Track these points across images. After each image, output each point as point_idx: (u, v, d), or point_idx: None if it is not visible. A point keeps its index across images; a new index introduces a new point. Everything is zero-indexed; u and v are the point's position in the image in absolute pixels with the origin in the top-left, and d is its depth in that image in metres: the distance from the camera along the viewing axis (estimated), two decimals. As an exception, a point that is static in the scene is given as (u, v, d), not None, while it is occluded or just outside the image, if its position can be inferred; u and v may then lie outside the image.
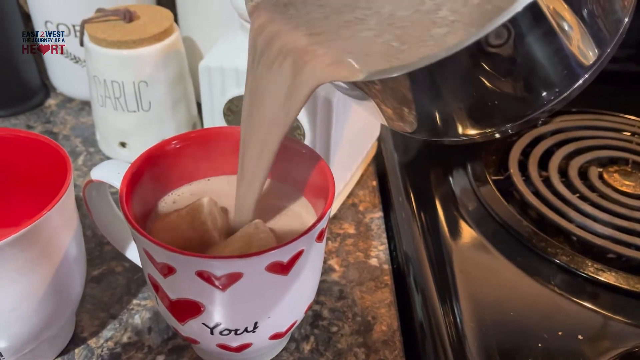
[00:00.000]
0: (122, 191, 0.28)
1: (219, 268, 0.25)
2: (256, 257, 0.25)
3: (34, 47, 0.55)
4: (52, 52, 0.55)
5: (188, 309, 0.28)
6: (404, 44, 0.23)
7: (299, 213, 0.32)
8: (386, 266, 0.41)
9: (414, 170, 0.48)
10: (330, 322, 0.37)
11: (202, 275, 0.26)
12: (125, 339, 0.35)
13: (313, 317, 0.37)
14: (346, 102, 0.39)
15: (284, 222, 0.31)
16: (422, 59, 0.22)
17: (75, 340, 0.35)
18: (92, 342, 0.35)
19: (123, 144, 0.49)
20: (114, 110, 0.46)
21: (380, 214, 0.46)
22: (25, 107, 0.56)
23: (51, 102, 0.58)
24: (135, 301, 0.38)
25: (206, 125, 0.44)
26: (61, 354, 0.34)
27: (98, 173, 0.31)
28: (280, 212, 0.32)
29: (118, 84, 0.45)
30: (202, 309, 0.27)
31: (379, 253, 0.42)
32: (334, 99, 0.38)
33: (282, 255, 0.26)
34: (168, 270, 0.26)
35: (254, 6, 0.27)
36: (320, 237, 0.29)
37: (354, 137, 0.44)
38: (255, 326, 0.29)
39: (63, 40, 0.54)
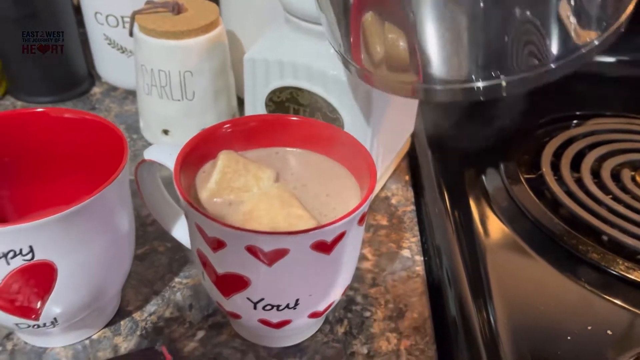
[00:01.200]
0: (176, 170, 0.30)
1: (268, 243, 0.27)
2: (303, 235, 0.27)
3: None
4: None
5: (234, 284, 0.29)
6: None
7: (344, 191, 0.33)
8: (418, 257, 0.42)
9: (447, 167, 0.49)
10: (363, 307, 0.38)
11: (250, 249, 0.27)
12: (167, 314, 0.37)
13: (347, 302, 0.38)
14: (385, 96, 0.40)
15: (329, 197, 0.32)
16: None
17: (121, 313, 0.37)
18: (136, 316, 0.37)
19: (166, 132, 0.51)
20: (159, 98, 0.48)
21: (412, 207, 0.47)
22: (72, 94, 0.58)
23: (96, 90, 0.61)
24: (177, 279, 0.39)
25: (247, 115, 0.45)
26: (108, 324, 0.36)
27: (151, 153, 0.33)
28: (327, 187, 0.33)
29: (165, 73, 0.47)
30: (248, 283, 0.29)
31: (411, 245, 0.43)
32: (373, 92, 0.39)
33: (327, 234, 0.27)
34: (218, 245, 0.28)
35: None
36: (361, 221, 0.30)
37: (389, 132, 0.45)
38: (297, 303, 0.30)
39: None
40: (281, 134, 0.35)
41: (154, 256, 0.41)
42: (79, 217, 0.28)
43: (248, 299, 0.30)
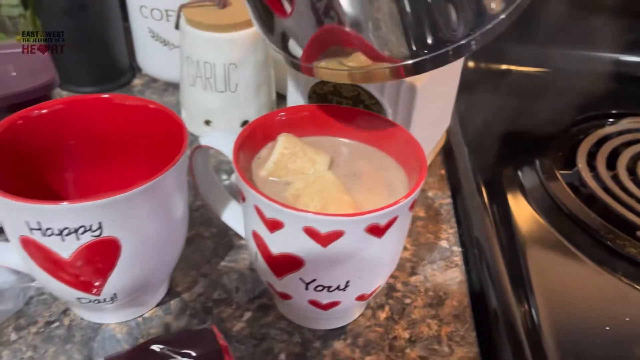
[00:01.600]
0: (235, 153, 0.31)
1: (325, 225, 0.28)
2: (359, 217, 0.28)
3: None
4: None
5: (288, 264, 0.31)
6: None
7: (393, 181, 0.34)
8: (456, 248, 0.43)
9: (483, 162, 0.50)
10: (404, 295, 0.39)
11: (308, 230, 0.28)
12: (215, 296, 0.38)
13: (388, 289, 0.39)
14: (429, 89, 0.41)
15: (377, 188, 0.34)
16: None
17: (171, 294, 0.38)
18: (185, 296, 0.38)
19: (207, 122, 0.52)
20: (203, 89, 0.50)
21: (449, 200, 0.48)
22: (114, 85, 0.60)
23: (137, 81, 0.62)
24: (223, 263, 0.41)
25: (290, 107, 0.46)
26: (159, 304, 0.37)
27: (207, 139, 0.34)
28: (376, 177, 0.34)
29: (210, 65, 0.48)
30: (302, 264, 0.30)
31: (448, 236, 0.44)
32: (418, 85, 0.40)
33: (381, 218, 0.29)
34: (275, 226, 0.29)
35: None
36: (411, 207, 0.31)
37: (428, 125, 0.46)
38: (347, 285, 0.31)
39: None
40: (333, 124, 0.36)
41: (200, 241, 0.43)
42: (144, 196, 0.29)
43: (301, 279, 0.31)
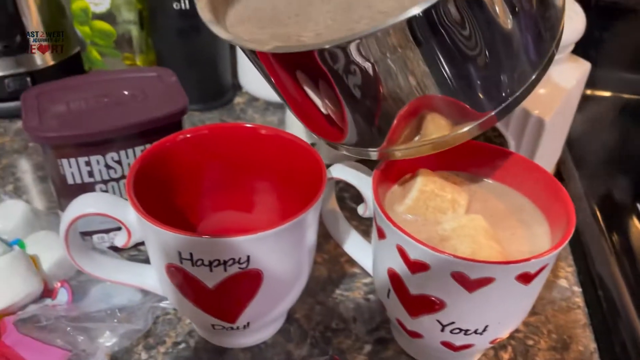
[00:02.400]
0: (375, 190, 0.31)
1: (476, 271, 0.27)
2: (513, 265, 0.27)
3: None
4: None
5: (427, 305, 0.30)
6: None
7: (530, 223, 0.33)
8: (576, 288, 0.42)
9: (598, 193, 0.48)
10: (525, 335, 0.38)
11: (456, 275, 0.28)
12: (333, 325, 0.38)
13: (508, 328, 0.38)
14: (555, 122, 0.40)
15: (518, 232, 0.33)
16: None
17: (290, 321, 0.39)
18: (304, 324, 0.38)
19: (312, 145, 0.52)
20: (313, 113, 0.50)
21: (564, 235, 0.46)
22: (218, 103, 0.62)
23: (239, 100, 0.64)
24: (337, 291, 0.41)
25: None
26: (279, 331, 0.38)
27: (339, 172, 0.34)
28: (513, 219, 0.33)
29: (322, 90, 0.49)
30: (443, 306, 0.30)
31: (567, 275, 0.43)
32: (546, 119, 0.39)
33: (533, 266, 0.28)
34: (420, 267, 0.29)
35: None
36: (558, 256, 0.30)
37: (548, 158, 0.45)
38: (485, 329, 0.31)
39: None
40: (466, 160, 0.35)
41: (313, 267, 0.43)
42: (290, 231, 0.30)
43: (438, 321, 0.31)
